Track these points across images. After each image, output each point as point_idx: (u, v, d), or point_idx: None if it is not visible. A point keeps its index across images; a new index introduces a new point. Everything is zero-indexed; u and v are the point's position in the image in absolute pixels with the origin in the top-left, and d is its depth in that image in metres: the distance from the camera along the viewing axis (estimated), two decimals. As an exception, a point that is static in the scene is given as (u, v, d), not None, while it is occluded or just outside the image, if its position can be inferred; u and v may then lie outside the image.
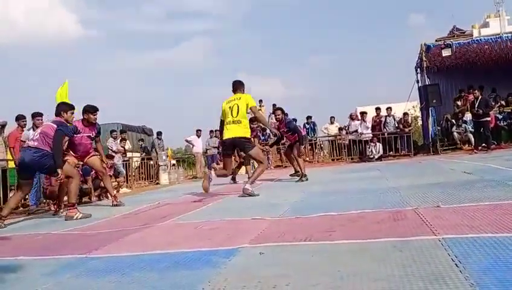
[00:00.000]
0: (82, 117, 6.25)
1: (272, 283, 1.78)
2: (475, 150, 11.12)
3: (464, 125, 13.14)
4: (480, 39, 13.55)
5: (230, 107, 5.71)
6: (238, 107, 5.63)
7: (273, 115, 7.42)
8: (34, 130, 7.53)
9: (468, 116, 13.13)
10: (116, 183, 9.65)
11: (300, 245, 2.45)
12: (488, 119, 11.28)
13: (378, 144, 13.46)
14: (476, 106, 11.04)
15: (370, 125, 14.48)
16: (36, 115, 7.76)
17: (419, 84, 14.68)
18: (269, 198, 5.13)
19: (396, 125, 14.36)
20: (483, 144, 11.20)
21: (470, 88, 12.80)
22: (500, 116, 13.34)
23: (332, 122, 15.58)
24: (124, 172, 11.44)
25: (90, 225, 4.47)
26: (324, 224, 3.00)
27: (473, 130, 12.41)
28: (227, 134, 5.71)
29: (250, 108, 5.70)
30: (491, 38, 13.37)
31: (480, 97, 11.18)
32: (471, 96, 12.59)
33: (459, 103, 13.98)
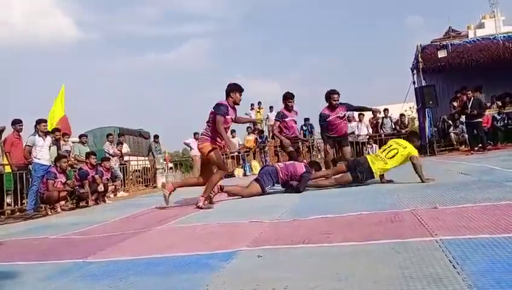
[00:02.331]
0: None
1: (270, 285, 1.78)
2: (471, 151, 11.15)
3: (460, 126, 13.17)
4: (476, 40, 13.61)
5: None
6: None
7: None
8: (39, 135, 7.82)
9: (463, 117, 13.17)
10: (113, 186, 9.62)
11: (298, 248, 2.45)
12: (480, 120, 11.31)
13: (374, 145, 13.48)
14: (469, 106, 11.08)
15: (368, 126, 14.51)
16: (41, 122, 7.95)
17: (416, 86, 14.71)
18: (267, 200, 5.12)
19: (393, 126, 14.39)
20: (480, 145, 11.24)
21: (463, 89, 12.83)
22: (498, 117, 13.38)
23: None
24: (121, 176, 11.43)
25: (87, 229, 4.46)
26: (322, 226, 3.00)
27: (477, 131, 12.41)
28: None
29: None
30: (486, 39, 13.43)
31: (472, 98, 11.23)
32: (464, 97, 12.65)
33: (455, 103, 14.00)
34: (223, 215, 4.18)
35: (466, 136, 12.44)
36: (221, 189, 5.81)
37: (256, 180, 5.96)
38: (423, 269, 1.78)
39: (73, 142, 10.94)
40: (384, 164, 5.25)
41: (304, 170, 5.76)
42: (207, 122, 5.28)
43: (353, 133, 14.41)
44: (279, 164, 6.22)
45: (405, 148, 5.22)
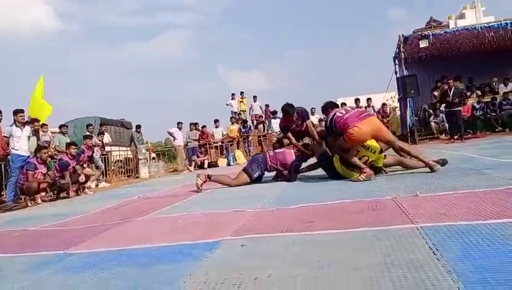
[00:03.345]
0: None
1: (253, 274, 1.78)
2: (451, 140, 11.33)
3: (440, 115, 13.38)
4: (456, 30, 13.77)
5: None
6: None
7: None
8: (16, 126, 7.78)
9: (443, 106, 13.37)
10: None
11: (281, 236, 2.46)
12: (460, 108, 11.51)
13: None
14: (451, 95, 11.24)
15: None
16: (18, 112, 7.88)
17: (398, 75, 14.86)
18: (251, 190, 5.13)
19: (376, 115, 14.52)
20: (459, 134, 11.44)
21: (444, 78, 13.00)
22: (477, 106, 13.62)
23: (312, 114, 15.66)
24: (103, 166, 11.29)
25: (68, 220, 4.40)
26: (304, 215, 3.02)
27: (456, 119, 12.62)
28: None
29: None
30: (466, 29, 13.59)
31: (454, 87, 11.39)
32: (445, 86, 12.84)
33: (436, 93, 14.19)
34: (206, 205, 4.17)
35: (446, 125, 12.64)
36: (209, 178, 5.78)
37: (244, 169, 5.98)
38: (404, 256, 1.80)
39: (53, 133, 10.75)
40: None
41: (294, 158, 5.77)
42: None
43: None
44: (269, 152, 6.21)
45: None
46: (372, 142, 4.88)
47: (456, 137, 11.35)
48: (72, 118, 15.26)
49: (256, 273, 1.79)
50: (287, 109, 5.99)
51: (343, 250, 2.00)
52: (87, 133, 10.84)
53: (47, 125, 10.19)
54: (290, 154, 5.82)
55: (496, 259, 1.62)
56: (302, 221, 2.79)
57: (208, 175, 5.83)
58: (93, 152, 10.07)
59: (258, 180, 5.93)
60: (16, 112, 7.81)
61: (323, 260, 1.88)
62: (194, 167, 13.63)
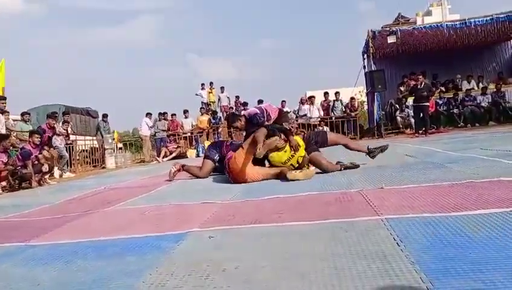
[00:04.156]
0: None
1: (221, 266, 1.78)
2: (416, 134, 11.66)
3: (406, 110, 13.74)
4: (423, 27, 14.10)
5: None
6: None
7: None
8: None
9: (410, 101, 13.71)
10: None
11: (249, 228, 2.46)
12: (428, 104, 11.84)
13: (326, 127, 13.77)
14: (421, 89, 11.53)
15: (320, 109, 14.78)
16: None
17: (366, 70, 15.12)
18: (220, 182, 5.11)
19: (344, 109, 14.76)
20: (424, 128, 11.78)
21: (413, 74, 13.33)
22: (440, 102, 14.05)
23: (283, 106, 15.73)
24: (67, 156, 10.99)
25: (31, 211, 4.26)
26: (273, 207, 3.03)
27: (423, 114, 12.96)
28: None
29: None
30: (433, 26, 13.95)
31: (424, 82, 11.70)
32: (412, 82, 13.19)
33: (402, 88, 14.55)
34: (174, 197, 4.13)
35: (412, 120, 12.98)
36: (183, 167, 5.84)
37: (205, 156, 5.98)
38: (369, 247, 1.84)
39: (14, 120, 10.36)
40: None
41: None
42: None
43: (305, 115, 14.65)
44: (228, 140, 6.26)
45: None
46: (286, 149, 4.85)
47: (420, 132, 11.68)
48: (34, 105, 14.78)
49: (224, 265, 1.78)
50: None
51: (311, 241, 2.02)
52: (52, 112, 10.56)
53: (8, 112, 9.81)
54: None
55: (456, 250, 1.67)
56: (270, 213, 2.81)
57: (182, 165, 5.88)
58: (54, 134, 9.83)
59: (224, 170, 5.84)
60: None
61: (291, 251, 1.90)
62: (163, 157, 13.46)
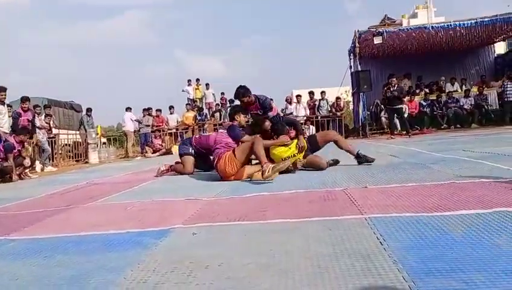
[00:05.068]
0: None
1: (204, 263, 1.76)
2: (391, 136, 11.72)
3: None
4: (409, 28, 14.25)
5: None
6: None
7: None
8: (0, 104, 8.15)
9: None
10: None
11: (234, 225, 2.45)
12: (402, 106, 12.01)
13: (311, 126, 13.82)
14: (392, 92, 11.69)
15: (306, 108, 14.83)
16: (1, 90, 8.30)
17: (352, 70, 15.21)
18: (204, 180, 5.08)
19: (329, 109, 14.83)
20: (400, 130, 12.00)
21: (391, 76, 13.48)
22: (424, 103, 14.23)
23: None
24: (49, 149, 10.81)
25: (10, 205, 4.17)
26: (258, 204, 3.02)
27: (399, 116, 13.13)
28: None
29: None
30: (418, 28, 14.10)
31: (396, 85, 11.90)
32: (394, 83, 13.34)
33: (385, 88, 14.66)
34: (158, 193, 4.09)
35: (396, 120, 13.11)
36: (171, 167, 5.91)
37: (181, 156, 5.96)
38: (353, 245, 1.84)
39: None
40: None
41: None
42: None
43: (291, 114, 14.68)
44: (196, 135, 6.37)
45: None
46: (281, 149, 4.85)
47: (396, 132, 11.84)
48: (16, 98, 14.47)
49: (208, 262, 1.77)
50: (238, 91, 5.48)
51: (295, 239, 2.02)
52: (34, 105, 10.42)
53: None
54: (212, 138, 5.43)
55: (438, 249, 1.69)
56: (255, 210, 2.80)
57: (170, 165, 5.93)
58: (33, 117, 9.77)
59: (210, 167, 5.76)
60: None
61: (275, 248, 1.89)
62: (151, 152, 13.39)
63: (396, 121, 13.18)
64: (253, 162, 5.02)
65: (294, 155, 4.81)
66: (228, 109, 15.39)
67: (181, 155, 5.96)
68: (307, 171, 4.78)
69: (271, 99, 5.68)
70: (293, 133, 5.01)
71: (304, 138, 5.27)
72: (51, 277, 1.78)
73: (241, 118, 5.35)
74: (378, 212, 2.41)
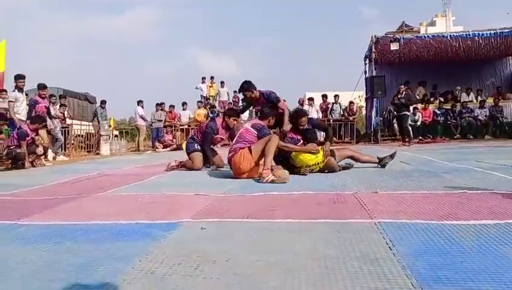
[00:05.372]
0: None
1: (212, 258, 1.77)
2: (403, 143, 11.69)
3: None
4: (427, 36, 14.13)
5: None
6: None
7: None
8: (18, 91, 8.45)
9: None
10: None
11: (242, 222, 2.45)
12: (407, 113, 12.05)
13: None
14: (399, 98, 11.76)
15: (318, 110, 14.78)
16: (19, 78, 8.51)
17: (367, 75, 15.12)
18: (213, 176, 5.10)
19: (342, 113, 14.76)
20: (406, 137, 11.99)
21: (407, 83, 13.38)
22: (438, 112, 14.10)
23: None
24: (62, 139, 10.92)
25: (22, 191, 4.23)
26: (267, 203, 3.02)
27: (412, 123, 13.08)
28: None
29: None
30: (436, 36, 13.98)
31: (404, 92, 11.92)
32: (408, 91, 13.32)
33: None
34: (168, 187, 4.11)
35: (409, 128, 13.04)
36: (181, 163, 5.95)
37: (189, 153, 6.01)
38: (361, 249, 1.83)
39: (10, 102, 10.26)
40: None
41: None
42: None
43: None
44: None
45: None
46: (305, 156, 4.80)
47: (407, 140, 11.79)
48: (32, 87, 14.66)
49: (215, 257, 1.77)
50: (242, 86, 5.59)
51: (303, 239, 2.01)
52: (50, 94, 10.53)
53: (6, 91, 9.74)
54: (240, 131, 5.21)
55: (448, 258, 1.67)
56: (264, 209, 2.80)
57: (180, 161, 5.98)
58: (49, 106, 9.92)
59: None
60: (17, 78, 8.39)
61: (283, 247, 1.89)
62: (162, 147, 13.49)
63: (409, 128, 13.11)
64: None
65: (318, 163, 4.79)
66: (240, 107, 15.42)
67: (189, 153, 6.02)
68: (318, 174, 4.77)
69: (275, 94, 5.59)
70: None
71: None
72: (60, 263, 1.80)
73: (230, 121, 5.89)
74: (388, 217, 2.39)
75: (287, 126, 5.30)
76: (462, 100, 14.74)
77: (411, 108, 13.77)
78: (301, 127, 5.19)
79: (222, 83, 17.98)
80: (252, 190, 3.66)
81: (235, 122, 6.00)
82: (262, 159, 4.47)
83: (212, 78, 18.20)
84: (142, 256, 1.82)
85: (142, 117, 14.92)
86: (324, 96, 15.59)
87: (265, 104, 5.46)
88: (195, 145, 5.98)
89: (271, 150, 4.45)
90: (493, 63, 16.64)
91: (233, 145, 4.78)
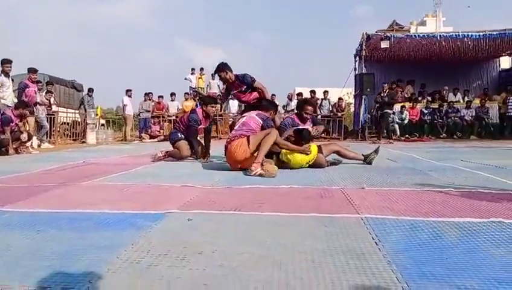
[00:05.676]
0: None
1: (198, 249, 1.76)
2: (390, 141, 11.95)
3: (392, 115, 13.86)
4: (417, 36, 14.22)
5: None
6: None
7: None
8: (4, 76, 8.30)
9: (396, 107, 13.87)
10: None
11: (229, 214, 2.44)
12: (389, 111, 12.32)
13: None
14: (384, 96, 12.05)
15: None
16: (6, 62, 8.40)
17: (357, 72, 15.18)
18: (201, 168, 5.08)
19: (331, 108, 14.81)
20: (398, 135, 12.24)
21: (397, 82, 13.50)
22: (425, 111, 14.24)
23: (273, 100, 15.66)
24: (47, 126, 10.77)
25: (7, 177, 4.16)
26: (255, 196, 3.02)
27: (399, 121, 13.23)
28: None
29: None
30: (426, 36, 14.07)
31: (387, 90, 12.22)
32: (398, 89, 13.51)
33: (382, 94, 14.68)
34: (155, 177, 4.08)
35: (395, 125, 13.18)
36: (167, 153, 5.95)
37: (174, 143, 6.01)
38: (347, 243, 1.84)
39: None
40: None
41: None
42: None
43: (292, 110, 14.65)
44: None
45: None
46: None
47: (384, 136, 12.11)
48: (18, 72, 14.40)
49: (202, 248, 1.76)
50: (218, 66, 5.52)
51: (290, 233, 2.01)
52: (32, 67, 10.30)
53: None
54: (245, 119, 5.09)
55: (433, 254, 1.69)
56: (252, 202, 2.79)
57: (167, 151, 5.98)
58: (39, 89, 9.87)
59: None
60: (3, 62, 8.26)
61: (270, 240, 1.89)
62: (148, 138, 13.38)
63: (396, 126, 13.23)
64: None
65: (308, 162, 4.80)
66: (228, 101, 15.37)
67: (174, 142, 6.02)
68: (306, 169, 4.78)
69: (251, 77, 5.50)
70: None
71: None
72: (43, 250, 1.77)
73: (208, 109, 5.95)
74: (374, 213, 2.41)
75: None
76: (449, 100, 14.90)
77: (399, 106, 13.91)
78: (305, 115, 5.29)
79: (213, 75, 17.83)
80: (240, 183, 3.65)
81: (213, 109, 6.04)
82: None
83: (201, 69, 18.09)
84: (127, 246, 1.81)
85: (124, 106, 14.67)
86: (312, 92, 15.59)
87: (241, 87, 5.47)
88: (179, 134, 6.00)
89: (267, 144, 4.42)
90: (481, 64, 16.85)
91: (234, 133, 4.68)
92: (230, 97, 14.68)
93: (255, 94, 5.50)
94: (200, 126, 6.05)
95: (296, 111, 5.75)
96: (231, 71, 5.49)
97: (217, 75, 5.69)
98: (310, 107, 5.36)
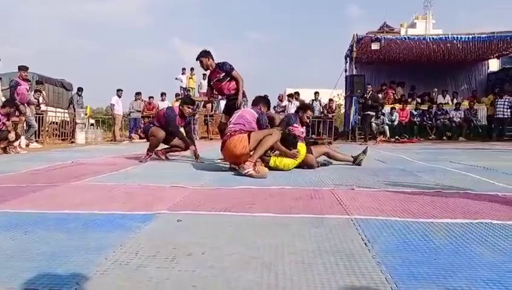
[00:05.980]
0: None
1: (188, 250, 1.75)
2: (380, 141, 12.13)
3: (381, 117, 13.95)
4: (407, 38, 14.33)
5: None
6: None
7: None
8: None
9: (386, 109, 13.97)
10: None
11: (219, 215, 2.43)
12: (370, 113, 12.70)
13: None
14: (366, 98, 12.30)
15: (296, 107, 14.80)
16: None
17: (347, 74, 15.25)
18: (191, 169, 5.06)
19: (322, 110, 14.85)
20: (370, 136, 12.51)
21: (386, 84, 13.63)
22: (415, 113, 14.36)
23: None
24: (36, 126, 10.65)
25: (-8, 178, 4.10)
26: (245, 197, 3.02)
27: (389, 122, 13.34)
28: None
29: None
30: (415, 38, 14.19)
31: (371, 92, 12.44)
32: (389, 91, 13.64)
33: (380, 95, 14.77)
34: (144, 178, 4.05)
35: (385, 127, 13.26)
36: (166, 151, 6.12)
37: (152, 133, 5.96)
38: (337, 244, 1.84)
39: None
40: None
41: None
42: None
43: (283, 111, 14.66)
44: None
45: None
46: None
47: (383, 138, 12.26)
48: (6, 71, 14.22)
49: (191, 249, 1.76)
50: (200, 52, 5.62)
51: (280, 234, 2.01)
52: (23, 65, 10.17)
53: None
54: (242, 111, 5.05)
55: (422, 255, 1.70)
56: (241, 202, 2.79)
57: (165, 149, 6.16)
58: (30, 87, 9.85)
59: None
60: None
61: (260, 241, 1.88)
62: (138, 138, 13.31)
63: (386, 127, 13.32)
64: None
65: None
66: (219, 101, 15.32)
67: (148, 133, 6.03)
68: (296, 170, 4.79)
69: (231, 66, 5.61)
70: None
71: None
72: (31, 251, 1.75)
73: (185, 108, 5.87)
74: (364, 214, 2.42)
75: (241, 96, 5.50)
76: (438, 102, 15.04)
77: (389, 108, 14.00)
78: (306, 120, 5.43)
79: (204, 75, 17.76)
80: (230, 184, 3.64)
81: (189, 110, 5.99)
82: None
83: (192, 69, 17.98)
84: (116, 247, 1.79)
85: (112, 105, 14.50)
86: (296, 94, 15.36)
87: (220, 75, 5.56)
88: (151, 125, 6.10)
89: (265, 145, 4.42)
90: (469, 67, 17.04)
91: (233, 127, 4.57)
92: (220, 98, 14.65)
93: (233, 84, 5.60)
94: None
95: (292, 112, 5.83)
96: (213, 59, 5.63)
97: (198, 61, 5.65)
98: (311, 113, 5.52)
